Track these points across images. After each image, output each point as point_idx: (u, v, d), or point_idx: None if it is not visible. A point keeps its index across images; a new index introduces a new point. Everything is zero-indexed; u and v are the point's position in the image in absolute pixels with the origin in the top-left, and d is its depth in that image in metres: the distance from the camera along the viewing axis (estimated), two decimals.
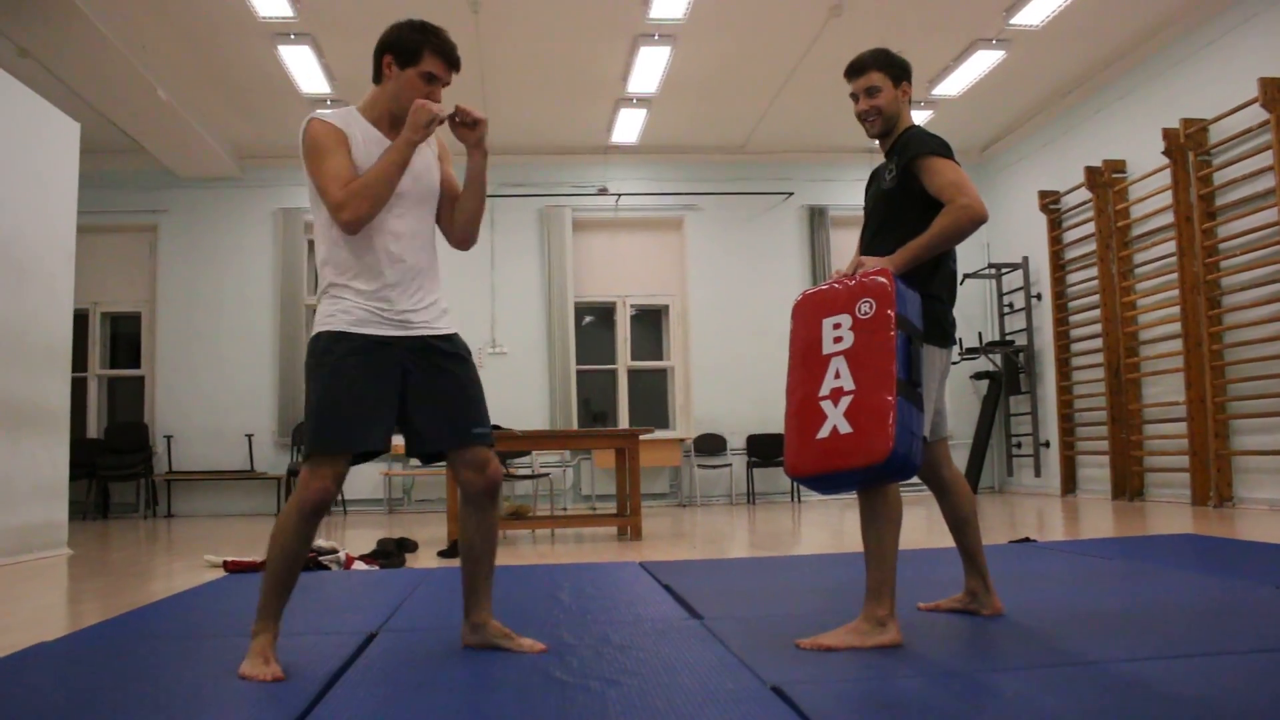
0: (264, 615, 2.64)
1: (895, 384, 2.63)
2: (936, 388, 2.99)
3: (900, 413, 2.62)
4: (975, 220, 2.87)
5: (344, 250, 2.72)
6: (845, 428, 2.66)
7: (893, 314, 2.68)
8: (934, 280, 2.97)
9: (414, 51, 2.74)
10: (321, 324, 2.72)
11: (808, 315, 2.87)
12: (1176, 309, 8.41)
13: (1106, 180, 9.45)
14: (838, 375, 2.72)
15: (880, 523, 2.79)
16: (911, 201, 2.98)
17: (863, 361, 2.69)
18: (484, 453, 2.80)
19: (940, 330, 2.96)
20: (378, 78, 2.80)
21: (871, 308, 2.71)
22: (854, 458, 2.65)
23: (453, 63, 2.80)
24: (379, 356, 2.69)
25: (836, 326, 2.76)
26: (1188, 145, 8.21)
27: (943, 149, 2.97)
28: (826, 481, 2.80)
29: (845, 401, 2.68)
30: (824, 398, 2.73)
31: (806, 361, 2.82)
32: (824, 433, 2.70)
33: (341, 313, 2.70)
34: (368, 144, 2.73)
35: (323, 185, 2.65)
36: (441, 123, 2.72)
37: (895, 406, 2.61)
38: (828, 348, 2.77)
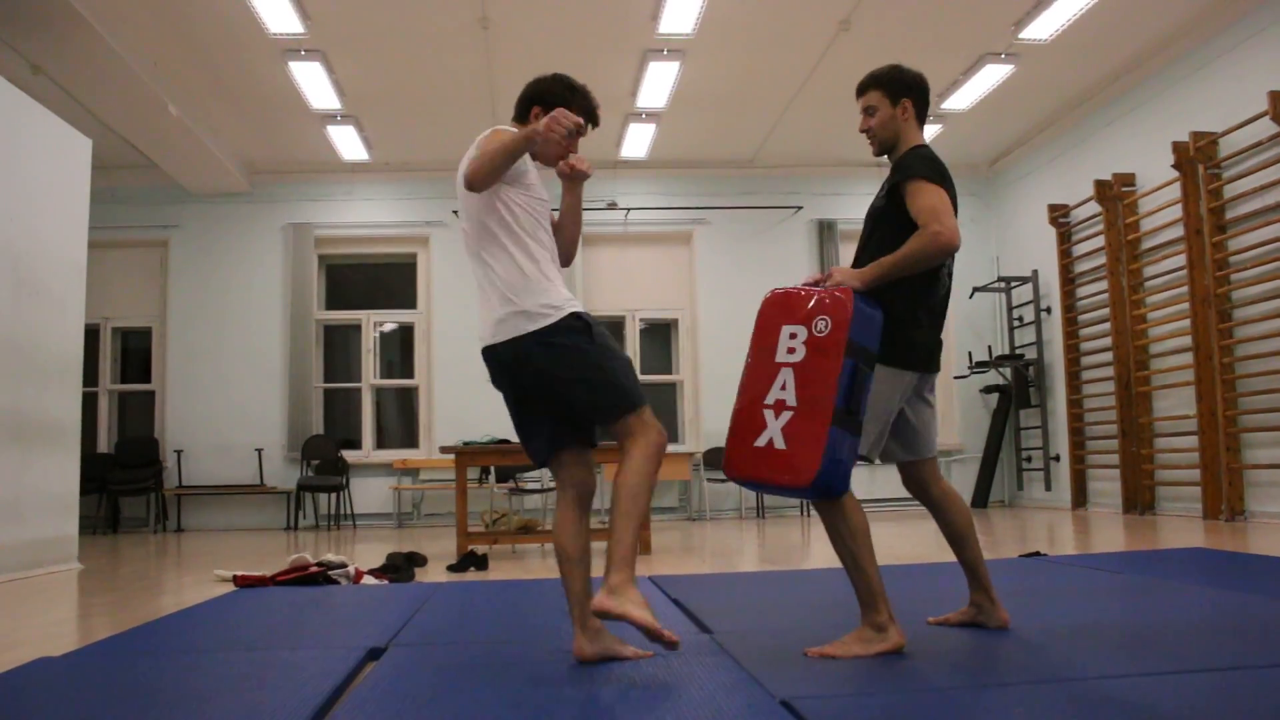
0: (625, 566, 2.72)
1: (833, 412, 2.70)
2: (895, 409, 3.00)
3: (831, 441, 2.70)
4: (944, 249, 2.89)
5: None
6: (780, 444, 2.76)
7: (844, 338, 2.74)
8: (902, 303, 2.96)
9: (561, 105, 2.96)
10: (565, 306, 2.88)
11: (770, 317, 2.92)
12: (1187, 322, 8.38)
13: (1116, 194, 9.43)
14: (784, 387, 2.80)
15: (846, 537, 2.86)
16: (898, 220, 2.99)
17: (808, 381, 2.77)
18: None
19: (903, 353, 2.97)
20: (523, 120, 3.10)
21: (827, 326, 2.77)
22: (781, 476, 2.78)
23: (595, 121, 3.13)
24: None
25: (793, 337, 2.83)
26: (1197, 158, 8.19)
27: (931, 174, 2.96)
28: (755, 487, 3.01)
29: (785, 417, 2.78)
30: (768, 406, 2.81)
31: (760, 363, 2.88)
32: (761, 441, 2.80)
33: (566, 297, 2.96)
34: (526, 164, 3.02)
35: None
36: (575, 136, 2.94)
37: (827, 435, 2.70)
38: (781, 356, 2.84)
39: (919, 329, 3.00)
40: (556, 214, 3.16)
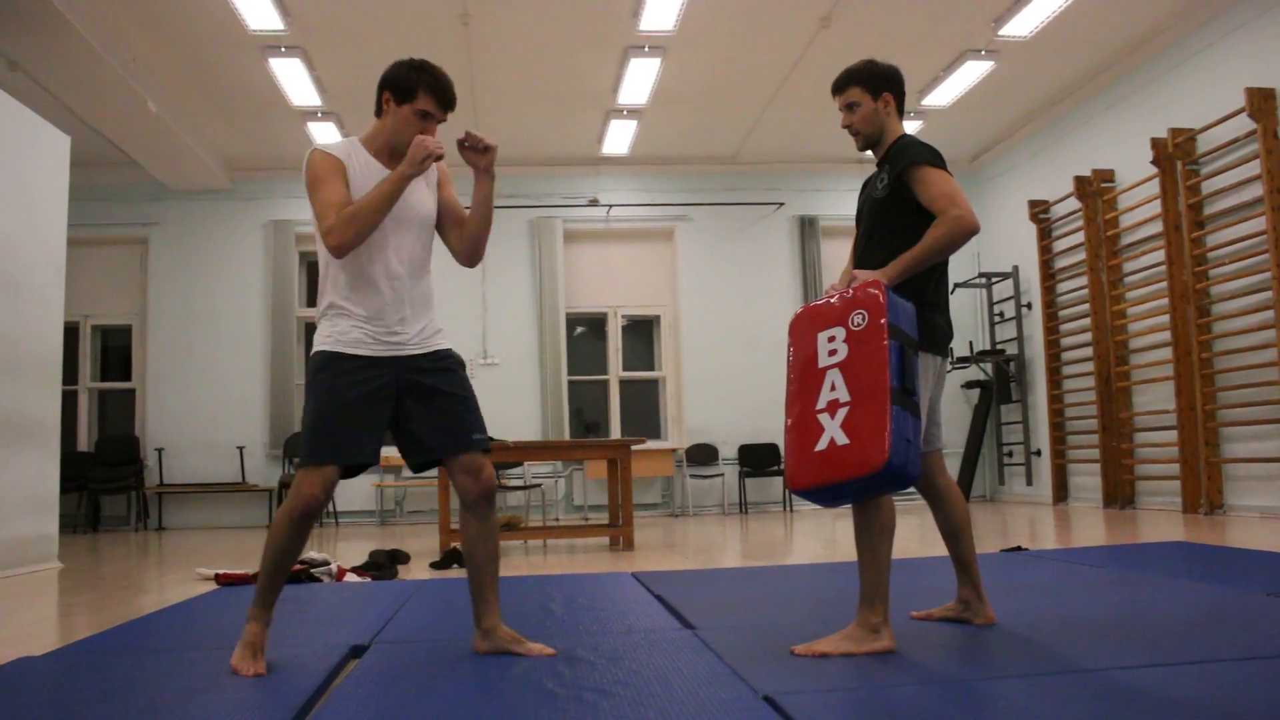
0: (258, 604, 2.83)
1: (889, 392, 2.63)
2: (931, 397, 3.00)
3: (895, 421, 2.61)
4: (967, 232, 2.89)
5: (342, 274, 2.87)
6: (842, 439, 2.67)
7: (885, 323, 2.68)
8: (928, 289, 2.99)
9: (410, 89, 2.87)
10: (320, 343, 2.87)
11: (804, 330, 2.87)
12: (1166, 317, 8.44)
13: (1096, 190, 9.48)
14: (833, 388, 2.73)
15: (874, 532, 2.82)
16: (904, 210, 3.00)
17: (857, 372, 2.69)
18: (479, 459, 2.91)
19: (933, 338, 2.98)
20: (379, 111, 2.94)
21: (864, 318, 2.72)
22: (851, 468, 2.65)
23: (446, 102, 2.92)
24: (372, 375, 2.83)
25: (831, 339, 2.77)
26: (1176, 155, 8.25)
27: (935, 159, 2.99)
28: (826, 493, 2.78)
29: (841, 413, 2.69)
30: (821, 410, 2.73)
31: (803, 376, 2.82)
32: (822, 445, 2.70)
33: (339, 334, 2.85)
34: (366, 173, 2.87)
35: (318, 210, 2.79)
36: (438, 159, 2.84)
37: (890, 415, 2.61)
38: (823, 361, 2.77)
39: (938, 313, 3.02)
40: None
